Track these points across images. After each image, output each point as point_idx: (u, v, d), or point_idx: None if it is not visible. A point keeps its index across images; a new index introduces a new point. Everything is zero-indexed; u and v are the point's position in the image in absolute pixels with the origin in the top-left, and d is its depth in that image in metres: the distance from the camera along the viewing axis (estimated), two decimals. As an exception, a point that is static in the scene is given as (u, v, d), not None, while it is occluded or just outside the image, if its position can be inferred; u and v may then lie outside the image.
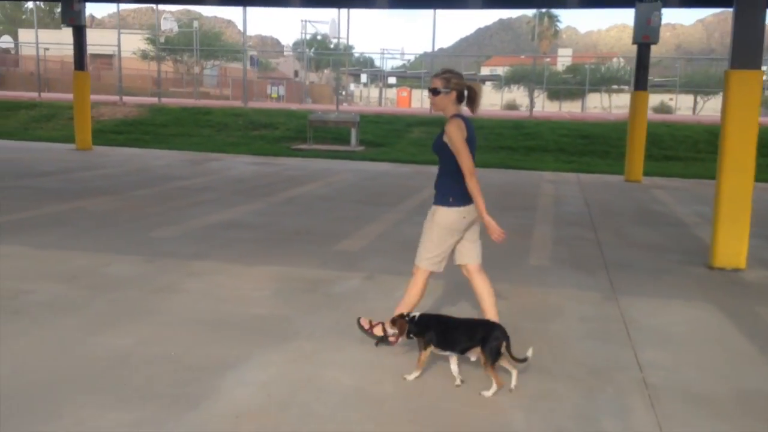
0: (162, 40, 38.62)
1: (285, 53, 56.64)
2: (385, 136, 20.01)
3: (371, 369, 3.72)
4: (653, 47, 13.72)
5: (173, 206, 8.92)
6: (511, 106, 55.93)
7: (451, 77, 3.89)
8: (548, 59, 74.05)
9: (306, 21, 33.69)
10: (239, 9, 24.24)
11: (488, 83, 67.30)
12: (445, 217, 3.89)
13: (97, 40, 51.14)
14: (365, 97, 60.72)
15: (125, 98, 26.09)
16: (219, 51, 54.18)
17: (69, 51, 40.00)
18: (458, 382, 3.56)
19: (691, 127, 19.93)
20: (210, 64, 56.73)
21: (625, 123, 20.65)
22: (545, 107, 56.10)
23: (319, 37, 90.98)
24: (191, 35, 56.79)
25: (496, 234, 3.80)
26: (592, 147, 18.51)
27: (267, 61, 72.34)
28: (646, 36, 13.24)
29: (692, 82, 53.67)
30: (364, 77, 62.13)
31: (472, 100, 3.95)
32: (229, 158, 16.10)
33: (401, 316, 3.72)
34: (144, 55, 53.34)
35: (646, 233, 8.15)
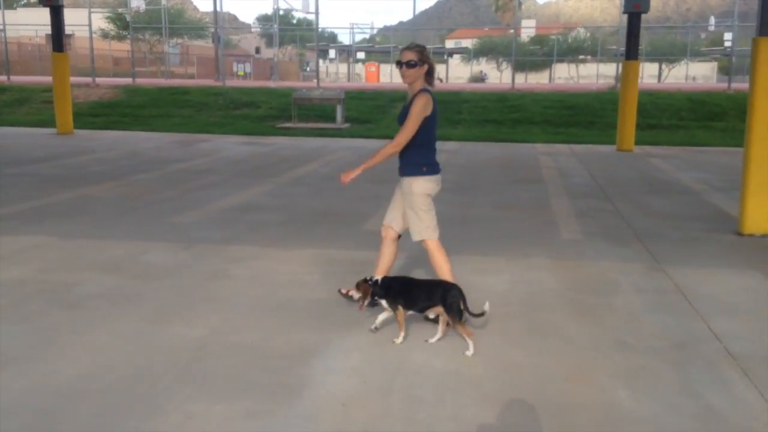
0: (129, 18, 37.58)
1: (252, 29, 55.60)
2: (369, 112, 19.89)
3: (453, 351, 3.72)
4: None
5: (183, 190, 8.77)
6: (477, 78, 56.00)
7: (423, 50, 3.99)
8: (512, 31, 74.25)
9: (278, -5, 32.83)
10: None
11: (456, 56, 67.27)
12: (423, 187, 4.06)
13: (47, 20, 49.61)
14: (332, 73, 60.15)
15: (98, 79, 25.43)
16: (185, 29, 53.04)
17: (25, 32, 38.48)
18: (373, 328, 3.91)
19: (673, 95, 20.17)
20: (173, 42, 55.54)
21: (608, 93, 20.92)
22: (515, 79, 56.34)
23: (281, 12, 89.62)
24: (153, 13, 55.57)
25: (343, 179, 4.09)
26: (578, 118, 18.65)
27: (228, 38, 71.11)
28: (637, 5, 13.32)
29: (657, 51, 54.23)
30: (332, 53, 61.39)
31: (430, 74, 4.05)
32: (217, 139, 15.85)
33: (365, 280, 3.88)
34: (104, 35, 52.04)
35: (661, 202, 8.25)
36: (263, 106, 20.83)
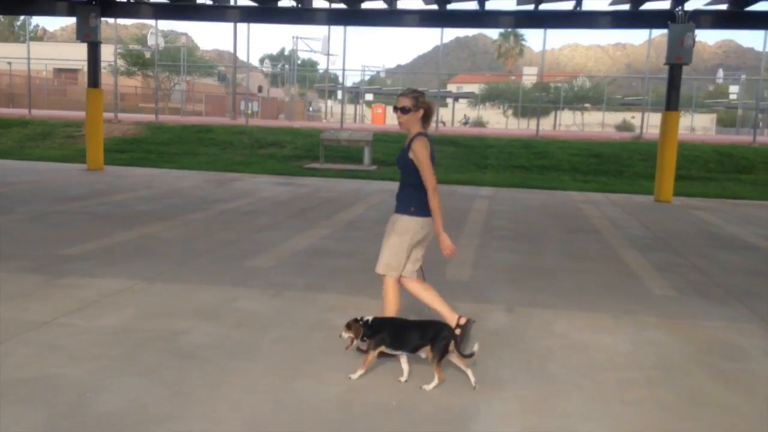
0: (148, 55, 37.92)
1: (264, 68, 56.02)
2: (395, 155, 19.79)
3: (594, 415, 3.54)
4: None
5: (241, 232, 8.63)
6: (479, 123, 56.41)
7: (419, 96, 4.17)
8: (513, 77, 75.32)
9: (297, 37, 33.23)
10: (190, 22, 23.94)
11: (462, 101, 67.95)
12: (405, 225, 4.20)
13: (62, 54, 50.21)
14: (336, 113, 60.45)
15: (120, 115, 25.48)
16: (198, 67, 53.46)
17: (34, 66, 38.40)
18: (405, 378, 3.88)
19: (699, 146, 20.23)
20: (178, 79, 55.88)
21: (632, 143, 20.99)
22: (519, 125, 56.80)
23: (286, 53, 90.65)
24: (164, 51, 56.05)
25: (448, 250, 4.16)
26: (605, 167, 18.64)
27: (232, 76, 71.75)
28: (678, 57, 13.39)
29: (661, 101, 54.84)
30: (339, 93, 61.85)
31: (428, 118, 4.25)
32: (248, 178, 15.78)
33: (356, 320, 3.91)
34: (114, 70, 52.45)
35: (732, 258, 8.13)
36: (288, 146, 20.83)
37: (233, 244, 7.85)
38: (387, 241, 4.27)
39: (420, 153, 4.07)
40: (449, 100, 63.50)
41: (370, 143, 18.90)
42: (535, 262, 7.45)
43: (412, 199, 4.20)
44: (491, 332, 4.87)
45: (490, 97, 62.62)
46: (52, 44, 76.87)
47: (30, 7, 15.88)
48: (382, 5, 14.83)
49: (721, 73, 45.80)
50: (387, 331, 3.87)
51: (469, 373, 3.81)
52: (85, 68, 47.29)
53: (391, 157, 19.55)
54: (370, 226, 9.63)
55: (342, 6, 15.06)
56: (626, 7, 14.28)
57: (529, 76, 75.00)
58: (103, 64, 49.70)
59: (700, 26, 13.39)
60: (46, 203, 10.39)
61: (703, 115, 60.59)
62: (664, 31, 13.99)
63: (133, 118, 25.39)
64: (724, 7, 13.88)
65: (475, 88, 69.62)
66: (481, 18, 14.69)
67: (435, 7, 14.68)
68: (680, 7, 13.44)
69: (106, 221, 9.09)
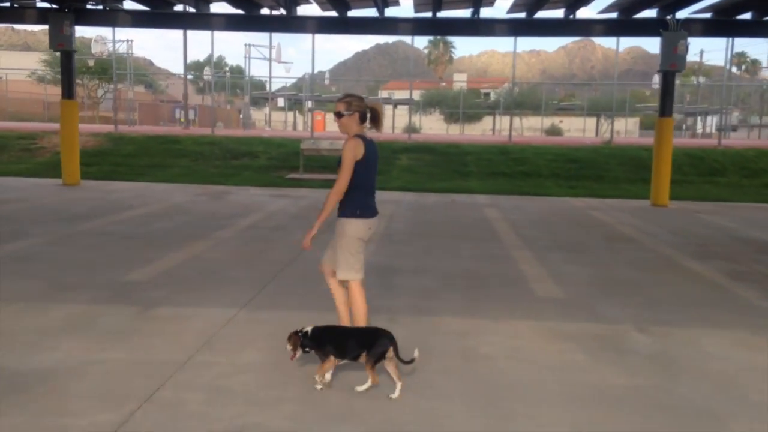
0: (91, 63, 36.41)
1: (203, 74, 54.51)
2: (374, 163, 19.61)
3: None
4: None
5: (286, 250, 8.22)
6: (414, 129, 56.71)
7: (352, 101, 4.28)
8: (444, 84, 76.32)
9: (250, 45, 32.53)
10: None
11: (401, 107, 68.30)
12: (354, 228, 4.29)
13: None
14: (280, 121, 59.63)
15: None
16: (139, 75, 51.74)
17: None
18: (321, 386, 3.92)
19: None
20: (108, 87, 53.86)
21: (605, 147, 21.43)
22: (449, 130, 57.42)
23: (214, 59, 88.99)
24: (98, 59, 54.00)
25: (305, 244, 4.34)
26: (584, 171, 18.95)
27: (157, 83, 69.97)
28: (673, 64, 13.71)
29: (597, 106, 56.71)
30: (281, 101, 61.06)
31: (376, 119, 4.33)
32: (237, 191, 15.25)
33: (295, 332, 3.98)
34: (40, 78, 50.31)
35: (782, 263, 8.29)
36: (262, 156, 20.31)
37: (292, 265, 7.46)
38: (342, 246, 4.32)
39: (345, 152, 4.15)
40: (388, 107, 63.44)
41: (351, 152, 18.57)
42: (610, 274, 7.37)
43: (355, 201, 4.27)
44: (649, 357, 4.70)
45: (431, 103, 63.16)
46: (7, 54, 73.00)
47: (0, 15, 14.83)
48: (283, 12, 14.76)
49: (656, 78, 47.45)
50: (329, 342, 3.92)
51: (399, 386, 3.82)
52: (6, 76, 44.68)
53: (370, 166, 19.32)
54: (406, 239, 9.40)
55: (240, 12, 14.78)
56: (614, 15, 14.55)
57: (460, 83, 76.16)
58: (25, 72, 47.10)
59: (691, 34, 13.74)
60: (56, 224, 9.67)
61: (630, 118, 62.76)
62: (577, 38, 14.53)
63: (89, 129, 24.21)
64: (713, 15, 14.31)
65: (406, 94, 69.91)
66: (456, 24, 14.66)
67: (334, 14, 14.72)
68: (672, 16, 13.77)
69: (137, 242, 8.52)
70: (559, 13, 14.68)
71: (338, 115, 4.28)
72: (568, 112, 63.55)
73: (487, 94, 73.75)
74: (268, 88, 49.11)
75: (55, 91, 51.42)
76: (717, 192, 16.74)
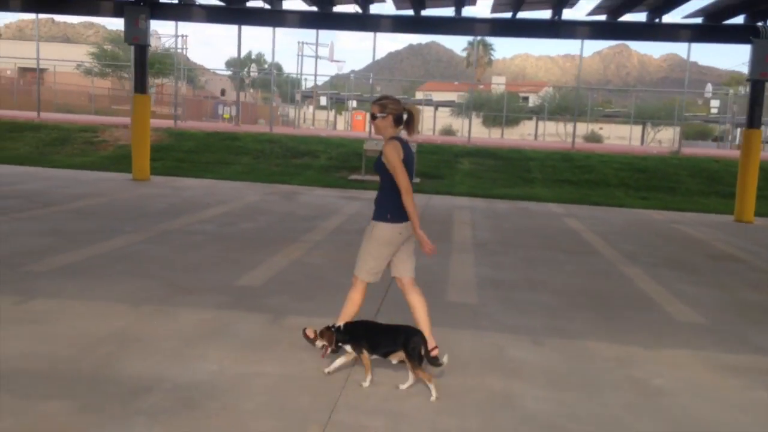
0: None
1: (246, 72, 54.83)
2: (435, 167, 19.35)
3: None
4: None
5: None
6: (448, 131, 56.28)
7: (387, 103, 4.20)
8: (482, 86, 75.65)
9: (303, 42, 32.47)
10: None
11: (446, 109, 67.93)
12: (382, 232, 4.21)
13: (26, 53, 48.55)
14: (309, 120, 59.53)
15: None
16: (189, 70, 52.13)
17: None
18: (327, 371, 4.07)
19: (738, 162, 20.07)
20: (153, 82, 54.37)
21: (673, 157, 20.83)
22: (488, 133, 56.82)
23: (253, 57, 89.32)
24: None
25: (428, 248, 4.17)
26: (654, 182, 18.41)
27: (197, 79, 70.45)
28: (763, 73, 13.19)
29: (645, 113, 55.64)
30: (323, 100, 61.08)
31: (410, 123, 4.23)
32: (305, 191, 15.08)
33: (328, 328, 4.01)
34: (87, 71, 50.93)
35: None
36: (322, 156, 20.13)
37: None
38: (366, 247, 4.29)
39: (390, 156, 4.09)
40: (429, 109, 63.00)
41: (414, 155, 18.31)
42: (738, 298, 6.97)
43: (388, 204, 4.21)
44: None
45: (475, 106, 62.69)
46: (16, 42, 74.24)
47: (73, 6, 14.85)
48: (356, 9, 14.53)
49: (709, 87, 46.46)
50: (361, 335, 3.96)
51: (432, 386, 3.81)
52: (52, 68, 45.10)
53: (431, 169, 19.06)
54: (501, 248, 9.08)
55: (314, 9, 14.56)
56: (699, 20, 14.08)
57: (498, 85, 75.54)
58: (72, 64, 47.41)
59: (576, 37, 13.32)
60: (143, 221, 9.55)
61: (670, 128, 61.52)
62: (613, 43, 14.18)
63: (158, 124, 24.28)
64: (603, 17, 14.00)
65: (442, 96, 69.36)
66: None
67: (411, 12, 14.39)
68: (764, 22, 13.25)
69: (231, 243, 8.35)
70: (641, 17, 14.27)
71: (373, 117, 4.24)
72: (611, 119, 62.53)
73: (525, 98, 73.02)
74: (303, 86, 49.10)
75: (102, 84, 52.09)
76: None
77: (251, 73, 52.77)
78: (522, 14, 14.36)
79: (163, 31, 58.52)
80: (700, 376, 4.50)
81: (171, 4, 14.82)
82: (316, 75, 44.91)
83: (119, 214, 10.08)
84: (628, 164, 19.79)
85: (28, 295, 5.45)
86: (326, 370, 4.07)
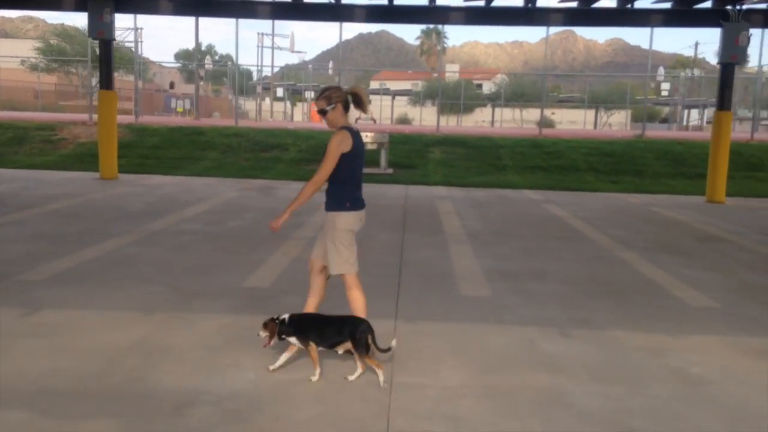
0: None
1: (207, 64, 53.69)
2: (407, 157, 19.28)
3: None
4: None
5: (384, 251, 7.86)
6: (404, 119, 56.24)
7: (331, 94, 4.19)
8: (436, 74, 75.83)
9: (262, 33, 31.86)
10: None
11: (403, 98, 67.75)
12: (345, 221, 4.23)
13: None
14: (266, 112, 58.76)
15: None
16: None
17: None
18: (273, 368, 4.04)
19: (701, 144, 20.51)
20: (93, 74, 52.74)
21: (638, 141, 21.16)
22: (446, 122, 56.96)
23: (203, 49, 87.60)
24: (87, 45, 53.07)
25: (273, 226, 4.25)
26: (622, 166, 18.68)
27: (146, 72, 68.87)
28: (734, 56, 13.43)
29: (598, 98, 56.45)
30: (279, 91, 60.26)
31: (360, 102, 4.23)
32: (279, 185, 14.86)
33: (272, 319, 3.95)
34: (33, 66, 49.41)
35: None
36: (291, 149, 19.87)
37: (406, 266, 7.10)
38: (333, 240, 4.23)
39: (331, 145, 4.08)
40: (387, 98, 62.69)
41: (386, 145, 18.21)
42: (740, 279, 7.06)
43: (344, 193, 4.22)
44: None
45: (432, 94, 62.67)
46: None
47: (34, 1, 14.27)
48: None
49: (661, 70, 47.37)
50: (308, 328, 3.92)
51: (381, 373, 3.86)
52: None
53: (403, 159, 18.99)
54: (494, 239, 9.04)
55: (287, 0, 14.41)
56: (668, 5, 14.24)
57: (452, 73, 75.71)
58: (15, 60, 45.78)
59: (752, 25, 13.46)
60: (126, 223, 9.23)
61: (622, 111, 62.67)
62: (560, 29, 14.38)
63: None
64: (574, 4, 14.20)
65: (398, 85, 69.22)
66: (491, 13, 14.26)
67: (384, 1, 14.30)
68: (734, 6, 13.47)
69: (222, 242, 8.14)
70: (612, 2, 14.39)
71: (322, 113, 4.20)
72: (564, 104, 63.26)
73: (479, 86, 73.36)
74: (258, 77, 48.33)
75: (48, 80, 50.42)
76: (760, 188, 16.51)
77: (206, 65, 51.62)
78: (497, 2, 14.33)
79: (118, 24, 56.82)
80: (734, 362, 4.51)
81: (136, -3, 14.33)
82: (273, 66, 44.29)
83: (99, 216, 9.72)
84: (595, 149, 20.03)
85: (32, 306, 5.18)
86: (271, 368, 4.03)
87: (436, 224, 10.11)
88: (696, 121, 56.71)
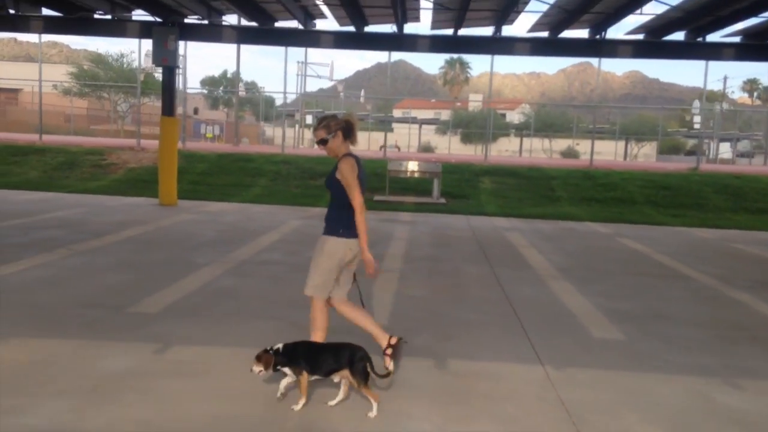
0: (142, 77, 35.83)
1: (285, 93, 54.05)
2: (458, 186, 19.00)
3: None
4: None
5: (482, 284, 7.54)
6: (427, 148, 56.04)
7: (329, 123, 4.20)
8: (459, 103, 75.88)
9: (302, 62, 32.00)
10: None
11: (431, 126, 67.85)
12: (334, 247, 4.17)
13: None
14: (288, 138, 58.76)
15: (143, 142, 23.68)
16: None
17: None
18: (279, 395, 3.89)
19: (758, 178, 20.07)
20: (123, 99, 53.21)
21: (693, 174, 20.72)
22: (461, 149, 56.72)
23: (229, 76, 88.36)
24: (125, 72, 53.75)
25: (371, 268, 4.13)
26: (680, 199, 18.25)
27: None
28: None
29: (629, 130, 56.03)
30: (309, 118, 60.58)
31: (350, 132, 4.23)
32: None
33: (266, 350, 3.83)
34: (66, 91, 50.06)
35: None
36: (340, 177, 19.64)
37: (521, 304, 6.77)
38: (316, 262, 4.22)
39: (347, 173, 4.10)
40: (414, 126, 62.70)
41: (439, 174, 18.00)
42: None
43: (341, 220, 4.18)
44: None
45: (460, 124, 62.65)
46: None
47: (99, 28, 14.28)
48: (298, 26, 14.32)
49: (697, 103, 46.87)
50: (302, 357, 3.80)
51: (375, 405, 3.75)
52: (27, 88, 44.13)
53: (454, 188, 18.72)
54: (587, 275, 8.68)
55: (254, 24, 14.29)
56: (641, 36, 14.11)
57: (475, 103, 75.80)
58: (48, 85, 46.80)
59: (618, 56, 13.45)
60: (208, 251, 9.01)
61: (648, 143, 62.18)
62: (579, 60, 14.23)
63: (153, 145, 23.63)
64: (640, 36, 14.10)
65: (420, 113, 69.41)
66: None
67: (352, 29, 14.18)
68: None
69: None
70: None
71: (323, 142, 4.20)
72: (595, 135, 62.86)
73: (503, 115, 73.38)
74: (279, 103, 48.50)
75: (81, 104, 51.05)
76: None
77: (239, 93, 52.02)
78: (463, 31, 14.29)
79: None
80: None
81: (201, 25, 14.29)
82: (303, 93, 44.32)
83: (177, 244, 9.51)
84: (650, 181, 19.63)
85: (160, 341, 4.91)
86: (278, 395, 3.91)
87: (517, 257, 9.79)
88: (726, 154, 56.15)
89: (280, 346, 3.85)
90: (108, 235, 9.92)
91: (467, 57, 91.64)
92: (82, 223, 11.09)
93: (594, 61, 22.13)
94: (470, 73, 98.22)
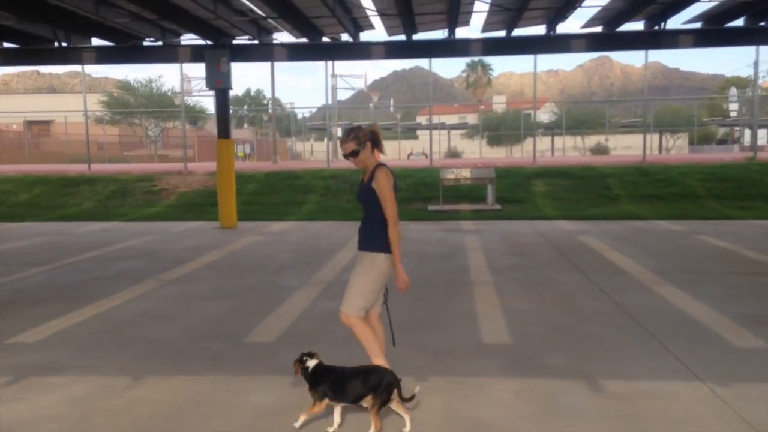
0: (177, 102, 36.14)
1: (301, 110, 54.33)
2: (510, 191, 18.69)
3: None
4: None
5: (592, 295, 7.24)
6: (454, 153, 55.57)
7: (359, 134, 4.05)
8: (482, 106, 75.30)
9: (337, 75, 31.97)
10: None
11: (460, 131, 67.57)
12: (384, 264, 4.04)
13: (30, 107, 48.36)
14: (316, 152, 58.81)
15: (189, 165, 23.76)
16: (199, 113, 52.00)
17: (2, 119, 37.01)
18: (335, 427, 3.70)
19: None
20: (154, 124, 53.76)
21: (751, 163, 20.15)
22: (488, 153, 56.23)
23: (252, 93, 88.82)
24: (154, 96, 54.29)
25: (404, 283, 4.01)
26: (745, 191, 17.73)
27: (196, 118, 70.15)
28: None
29: (663, 122, 55.12)
30: (339, 131, 60.50)
31: (377, 143, 4.11)
32: (404, 226, 14.32)
33: (301, 357, 3.78)
34: (99, 119, 50.65)
35: None
36: (391, 189, 19.42)
37: (658, 311, 6.46)
38: (365, 280, 4.04)
39: (384, 183, 3.98)
40: (441, 132, 62.48)
41: (493, 180, 17.70)
42: None
43: (384, 234, 4.02)
44: None
45: (490, 127, 62.25)
46: (21, 97, 74.20)
47: (151, 55, 14.29)
48: (346, 38, 14.18)
49: (734, 91, 46.01)
50: (327, 383, 3.67)
51: (407, 419, 3.66)
52: (59, 119, 44.99)
53: (507, 194, 18.39)
54: (693, 278, 8.32)
55: (304, 40, 14.16)
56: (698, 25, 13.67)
57: (499, 104, 75.25)
58: (79, 114, 47.60)
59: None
60: (292, 275, 8.85)
61: (682, 135, 61.10)
62: (595, 55, 13.82)
63: (202, 168, 23.70)
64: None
65: (444, 118, 69.28)
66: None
67: (402, 37, 13.98)
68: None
69: (416, 293, 7.60)
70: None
71: (354, 154, 4.05)
72: (627, 129, 62.17)
73: (527, 115, 72.83)
74: (295, 116, 48.58)
75: (112, 132, 51.74)
76: None
77: (269, 110, 52.27)
78: (517, 31, 13.98)
79: (192, 74, 58.13)
80: None
81: (251, 45, 14.21)
82: (336, 107, 44.36)
83: (260, 268, 9.35)
84: (709, 174, 19.13)
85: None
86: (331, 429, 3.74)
87: (605, 263, 9.46)
88: (763, 140, 54.98)
89: (311, 365, 3.75)
90: (187, 262, 9.81)
91: (488, 59, 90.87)
92: (157, 251, 11.00)
93: (612, 54, 21.75)
94: (492, 75, 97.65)
